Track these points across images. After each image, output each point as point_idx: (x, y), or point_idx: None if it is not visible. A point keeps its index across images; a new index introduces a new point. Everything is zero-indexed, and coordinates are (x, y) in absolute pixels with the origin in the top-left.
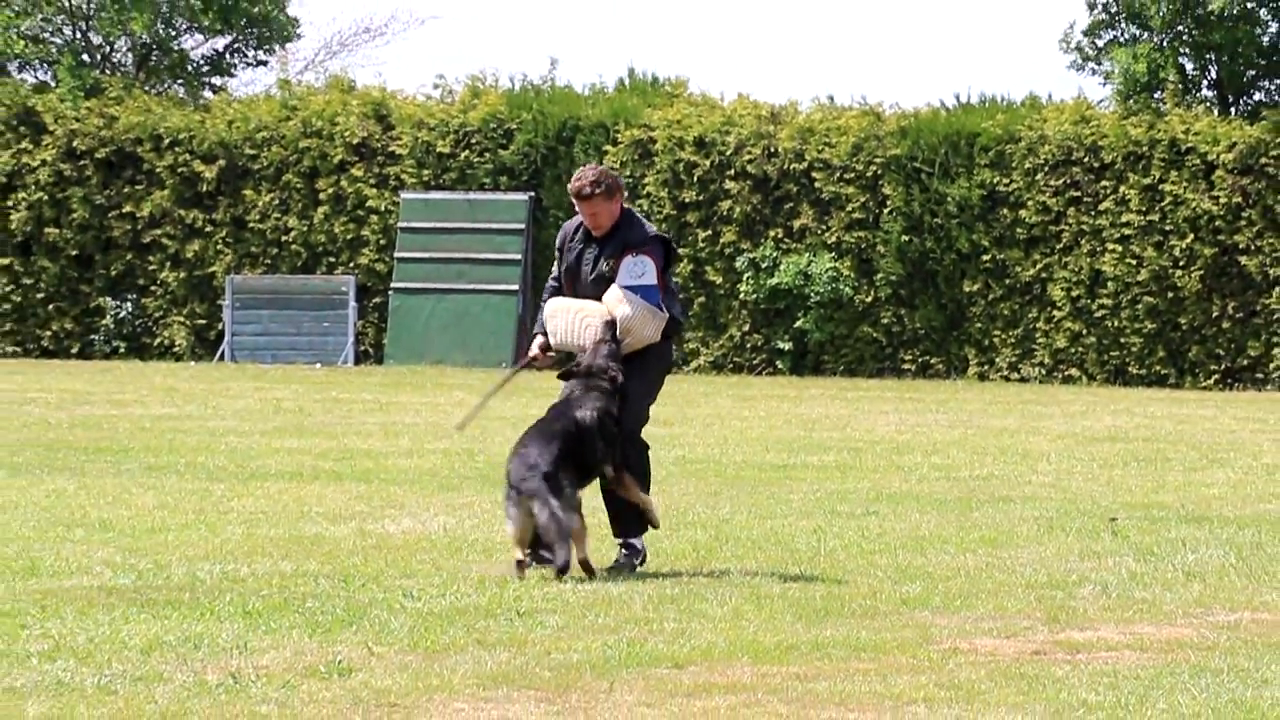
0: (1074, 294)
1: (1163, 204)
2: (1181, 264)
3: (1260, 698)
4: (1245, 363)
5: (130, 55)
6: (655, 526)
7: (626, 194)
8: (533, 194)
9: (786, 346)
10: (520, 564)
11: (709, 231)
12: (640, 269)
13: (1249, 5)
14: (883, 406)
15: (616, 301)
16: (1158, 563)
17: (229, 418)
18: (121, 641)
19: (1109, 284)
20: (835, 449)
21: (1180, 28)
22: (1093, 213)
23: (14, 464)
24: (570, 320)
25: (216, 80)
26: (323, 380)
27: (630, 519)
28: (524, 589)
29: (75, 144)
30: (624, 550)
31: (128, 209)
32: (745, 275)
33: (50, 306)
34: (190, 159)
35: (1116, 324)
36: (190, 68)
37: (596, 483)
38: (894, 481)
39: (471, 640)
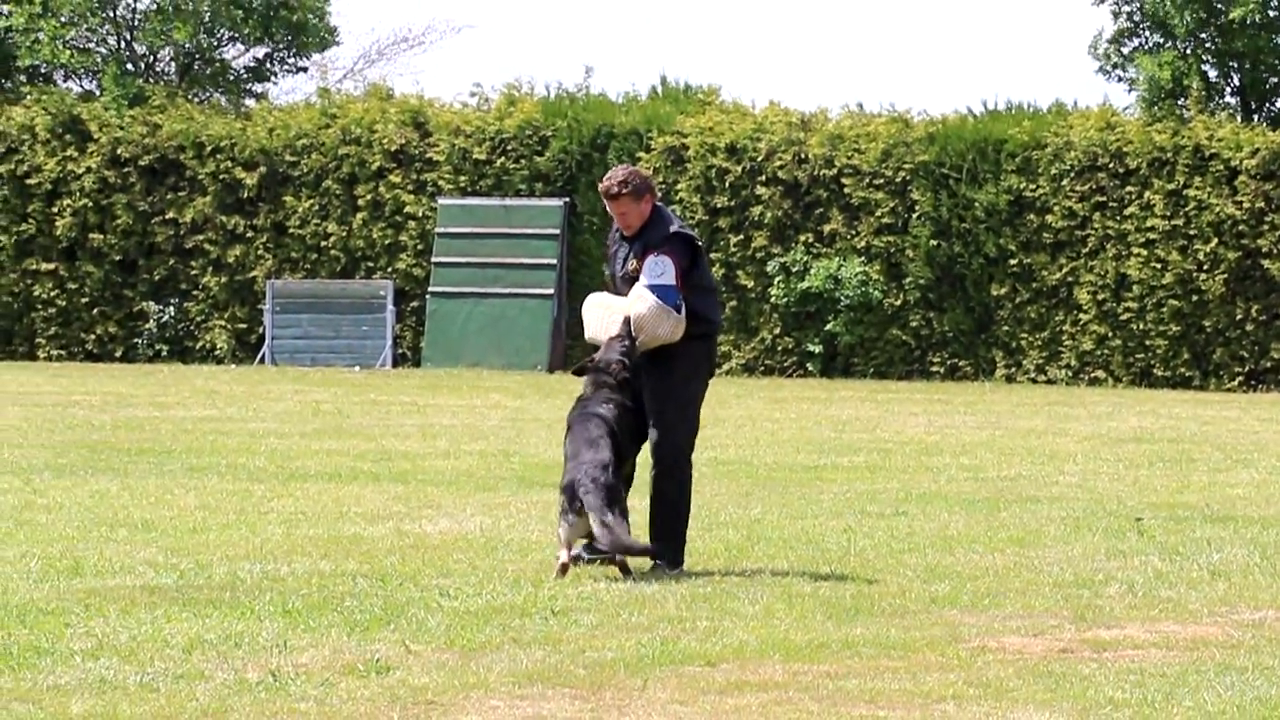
0: (1100, 297)
1: (1187, 209)
2: (1205, 268)
3: None
4: (1269, 365)
5: (173, 64)
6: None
7: (659, 197)
8: (568, 199)
9: (817, 349)
10: (565, 567)
11: (740, 236)
12: (660, 268)
13: (1271, 13)
14: (912, 408)
15: (634, 299)
16: (1183, 562)
17: (269, 420)
18: (163, 640)
19: (1134, 287)
20: (865, 450)
21: (1203, 36)
22: (1118, 217)
23: (59, 465)
24: (600, 315)
25: (257, 87)
26: (361, 383)
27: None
28: (559, 588)
29: (119, 151)
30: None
31: (170, 215)
32: (776, 279)
33: (95, 311)
34: (232, 166)
35: (1142, 327)
36: (231, 76)
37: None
38: (923, 482)
39: (507, 638)
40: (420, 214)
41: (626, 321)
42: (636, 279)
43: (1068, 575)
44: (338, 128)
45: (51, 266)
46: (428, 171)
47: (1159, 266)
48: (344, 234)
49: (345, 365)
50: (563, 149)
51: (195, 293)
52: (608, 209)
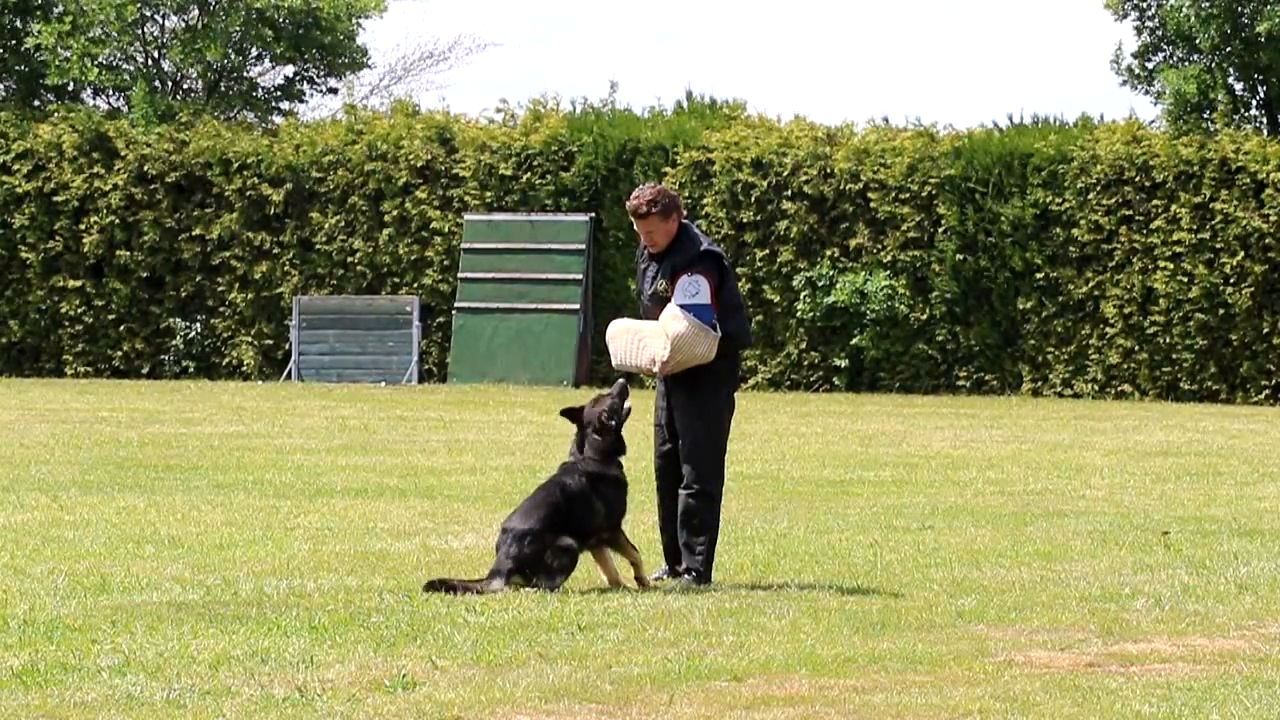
0: (1126, 311)
1: (1213, 222)
2: (1232, 281)
3: None
4: None
5: (200, 82)
6: (644, 586)
7: (685, 214)
8: (593, 215)
9: (843, 364)
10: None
11: (766, 251)
12: (694, 288)
13: None
14: (938, 422)
15: (670, 319)
16: (1210, 576)
17: (296, 436)
18: (190, 656)
19: (1161, 301)
20: (891, 464)
21: (1229, 49)
22: (1144, 231)
23: (86, 481)
24: (628, 342)
25: (286, 105)
26: (387, 399)
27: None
28: (585, 603)
29: (146, 168)
30: (684, 573)
31: (197, 232)
32: (802, 294)
33: (121, 327)
34: (258, 182)
35: (1168, 340)
36: (259, 95)
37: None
38: (949, 496)
39: (534, 654)
40: (446, 230)
41: (622, 385)
42: (665, 299)
43: (1094, 589)
44: (364, 144)
45: (79, 283)
46: (454, 187)
47: (1185, 280)
48: (370, 250)
49: (372, 381)
50: (588, 164)
51: (222, 309)
52: (635, 227)
